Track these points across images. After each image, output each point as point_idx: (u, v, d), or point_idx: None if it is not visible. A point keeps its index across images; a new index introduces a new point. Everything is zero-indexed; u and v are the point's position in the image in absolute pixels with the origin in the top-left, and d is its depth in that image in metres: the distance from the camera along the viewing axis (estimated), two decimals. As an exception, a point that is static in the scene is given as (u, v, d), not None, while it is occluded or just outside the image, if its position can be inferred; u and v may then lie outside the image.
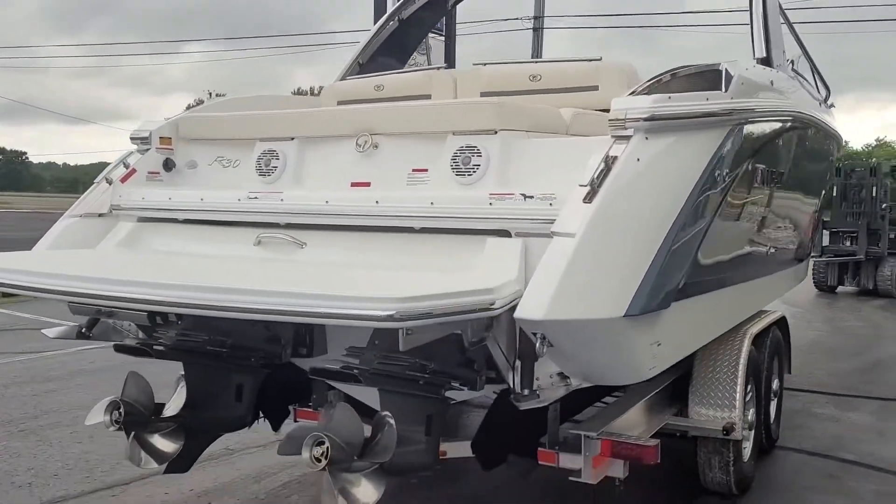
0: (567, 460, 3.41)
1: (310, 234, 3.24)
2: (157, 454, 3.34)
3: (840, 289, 14.89)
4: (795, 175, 4.59)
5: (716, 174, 3.08)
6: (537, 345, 2.54)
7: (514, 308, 2.58)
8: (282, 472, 4.77)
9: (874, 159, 18.13)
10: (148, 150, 4.07)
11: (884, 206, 14.50)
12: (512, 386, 2.85)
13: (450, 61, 16.72)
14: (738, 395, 4.05)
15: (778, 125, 3.97)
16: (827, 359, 8.56)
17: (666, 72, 3.18)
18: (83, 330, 3.65)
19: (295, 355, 3.45)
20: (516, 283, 2.63)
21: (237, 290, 2.42)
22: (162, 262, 3.22)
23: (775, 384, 5.14)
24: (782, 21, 5.01)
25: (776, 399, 5.20)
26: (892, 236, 14.41)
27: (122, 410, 3.18)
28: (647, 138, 2.84)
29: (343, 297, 2.30)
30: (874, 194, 14.40)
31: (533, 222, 2.81)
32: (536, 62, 4.59)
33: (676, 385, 4.19)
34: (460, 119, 3.33)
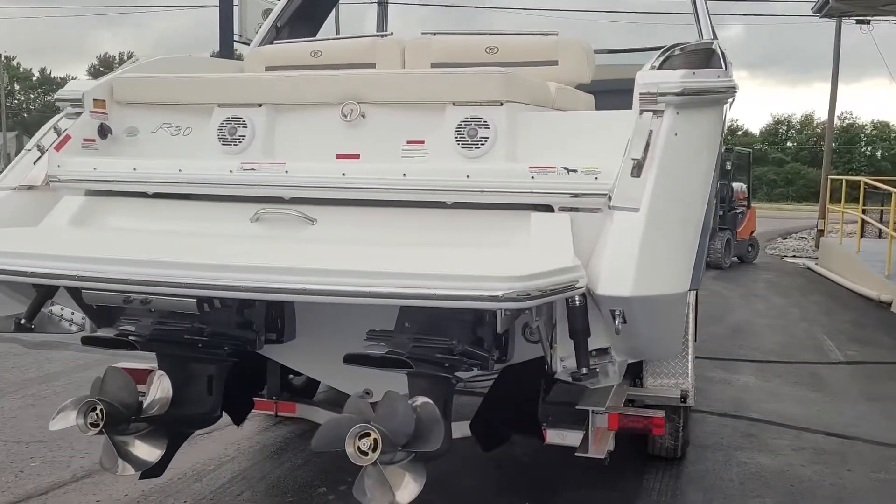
0: (560, 436, 3.44)
1: (316, 209, 2.97)
2: (135, 460, 2.95)
3: (675, 261, 16.07)
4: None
5: (719, 150, 3.18)
6: (616, 322, 2.49)
7: None
8: (221, 469, 4.42)
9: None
10: (80, 113, 3.57)
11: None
12: (550, 365, 2.79)
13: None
14: (690, 363, 4.24)
15: (729, 104, 4.16)
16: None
17: (673, 46, 3.23)
18: (22, 321, 3.17)
19: (267, 342, 3.19)
20: (577, 259, 2.56)
21: (342, 272, 2.18)
22: (175, 242, 2.81)
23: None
24: None
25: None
26: (720, 213, 15.72)
27: (101, 411, 2.77)
28: (677, 113, 2.86)
29: (460, 277, 2.13)
30: (706, 174, 15.59)
31: (577, 197, 2.75)
32: (490, 34, 4.48)
33: None
34: (464, 89, 3.20)
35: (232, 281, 2.23)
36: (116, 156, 3.54)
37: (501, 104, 3.15)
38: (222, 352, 3.23)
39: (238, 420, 3.88)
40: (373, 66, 4.56)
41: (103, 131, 3.61)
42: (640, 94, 2.89)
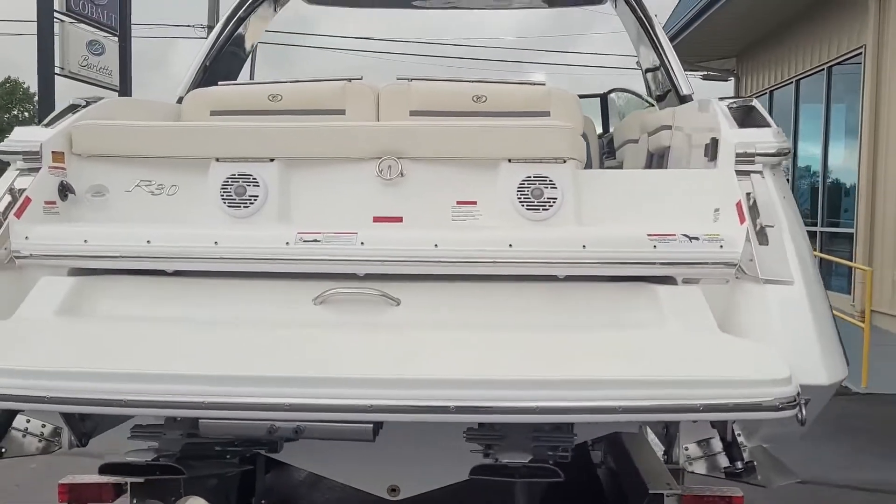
0: None
1: (396, 286, 2.50)
2: None
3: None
4: None
5: None
6: (802, 412, 2.24)
7: None
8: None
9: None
10: (38, 170, 2.86)
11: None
12: (670, 456, 2.51)
13: (125, 64, 15.02)
14: None
15: None
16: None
17: (733, 103, 3.13)
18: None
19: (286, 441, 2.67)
20: None
21: (565, 382, 1.75)
22: (259, 339, 2.19)
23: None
24: None
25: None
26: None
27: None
28: (773, 174, 2.73)
29: (719, 383, 1.80)
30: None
31: (702, 267, 2.51)
32: (474, 81, 4.19)
33: None
34: (524, 144, 2.90)
35: (426, 400, 1.76)
36: (87, 222, 2.87)
37: (565, 161, 2.89)
38: (238, 460, 2.66)
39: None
40: (342, 112, 4.13)
41: (64, 191, 2.92)
42: (738, 154, 2.73)
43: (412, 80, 4.18)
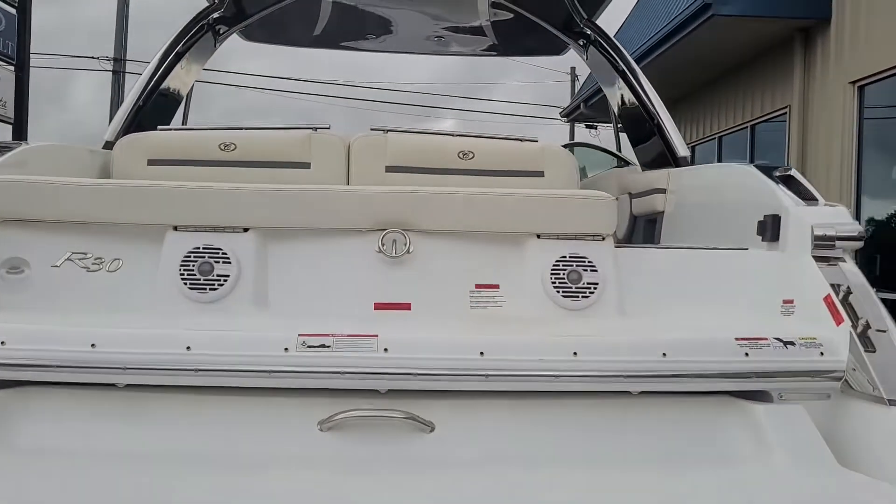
0: None
1: (425, 405, 1.93)
2: None
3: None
4: None
5: None
6: None
7: None
8: None
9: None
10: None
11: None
12: None
13: (22, 96, 13.99)
14: None
15: None
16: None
17: (783, 173, 2.76)
18: None
19: None
20: None
21: None
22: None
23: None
24: None
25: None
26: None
27: None
28: (856, 262, 2.36)
29: None
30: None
31: (801, 379, 2.06)
32: (459, 135, 3.71)
33: None
34: (559, 216, 2.44)
35: None
36: (2, 309, 2.20)
37: (604, 238, 2.45)
38: None
39: None
40: (307, 166, 3.57)
41: (-29, 269, 2.25)
42: (816, 237, 2.33)
43: (388, 131, 3.67)
